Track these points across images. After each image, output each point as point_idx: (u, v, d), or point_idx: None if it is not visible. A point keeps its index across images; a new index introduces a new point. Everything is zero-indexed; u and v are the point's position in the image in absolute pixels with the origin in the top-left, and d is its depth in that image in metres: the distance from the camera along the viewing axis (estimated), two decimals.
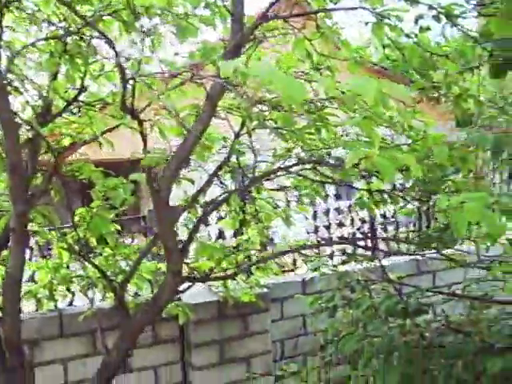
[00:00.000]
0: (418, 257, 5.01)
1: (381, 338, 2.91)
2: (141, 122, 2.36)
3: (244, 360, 4.15)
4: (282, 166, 2.94)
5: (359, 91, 1.50)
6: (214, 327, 4.05)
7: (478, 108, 3.27)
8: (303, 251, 5.22)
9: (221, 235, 5.69)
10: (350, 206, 8.29)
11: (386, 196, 3.21)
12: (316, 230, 7.96)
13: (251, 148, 2.97)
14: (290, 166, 2.97)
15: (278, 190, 5.35)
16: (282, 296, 4.41)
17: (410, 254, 4.10)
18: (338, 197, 8.29)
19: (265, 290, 4.12)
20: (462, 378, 2.62)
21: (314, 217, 7.99)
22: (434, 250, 3.24)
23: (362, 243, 5.88)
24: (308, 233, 7.88)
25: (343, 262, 3.74)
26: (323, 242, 3.99)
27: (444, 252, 3.22)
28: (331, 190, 8.33)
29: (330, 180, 3.11)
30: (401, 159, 2.09)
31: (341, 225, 8.05)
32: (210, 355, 4.07)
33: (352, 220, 8.05)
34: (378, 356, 2.85)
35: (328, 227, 7.98)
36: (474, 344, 2.71)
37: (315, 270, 3.49)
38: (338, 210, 8.24)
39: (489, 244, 2.18)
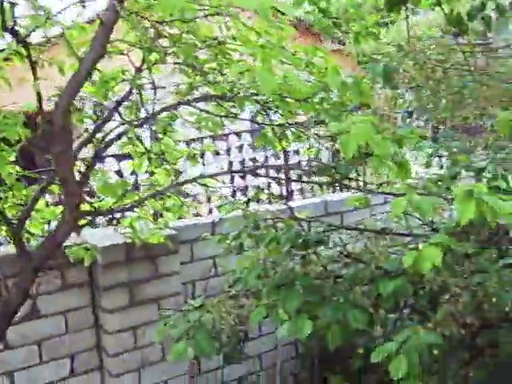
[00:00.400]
0: (328, 198, 5.14)
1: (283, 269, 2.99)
2: (27, 46, 2.26)
3: (154, 302, 4.17)
4: (182, 101, 2.91)
5: (241, 3, 1.49)
6: (123, 270, 4.04)
7: (376, 46, 3.34)
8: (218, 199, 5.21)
9: (136, 187, 5.64)
10: (266, 156, 8.40)
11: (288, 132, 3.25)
12: (232, 180, 8.02)
13: (151, 82, 2.92)
14: (192, 101, 2.94)
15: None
16: (191, 238, 4.42)
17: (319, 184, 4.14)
18: (253, 148, 8.32)
19: (173, 231, 4.12)
20: (359, 303, 2.73)
21: (230, 166, 8.04)
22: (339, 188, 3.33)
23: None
24: (223, 182, 7.91)
25: (251, 200, 3.78)
26: (229, 171, 3.97)
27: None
28: (247, 140, 8.39)
29: (232, 115, 3.10)
30: (292, 81, 2.12)
31: (256, 174, 8.11)
32: (120, 298, 4.06)
33: (267, 170, 8.11)
34: (280, 286, 2.92)
35: (243, 177, 8.05)
36: (371, 271, 2.83)
37: (220, 206, 3.51)
38: (254, 160, 8.31)
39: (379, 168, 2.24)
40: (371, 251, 2.96)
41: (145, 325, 4.16)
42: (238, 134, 8.18)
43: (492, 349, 2.67)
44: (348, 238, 3.43)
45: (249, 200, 5.55)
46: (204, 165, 7.74)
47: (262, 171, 6.62)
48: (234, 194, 7.82)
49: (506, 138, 2.73)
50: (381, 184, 2.92)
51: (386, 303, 2.65)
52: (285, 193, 8.08)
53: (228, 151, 8.17)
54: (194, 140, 6.92)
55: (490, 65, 3.08)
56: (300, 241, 3.00)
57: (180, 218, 4.90)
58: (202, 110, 3.12)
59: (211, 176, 3.04)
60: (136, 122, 2.99)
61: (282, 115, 3.19)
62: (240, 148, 8.27)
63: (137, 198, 3.06)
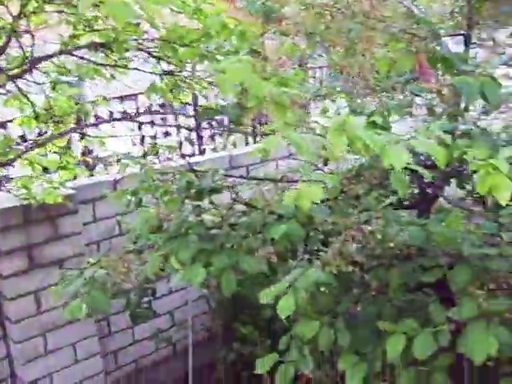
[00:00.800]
0: (232, 152, 5.12)
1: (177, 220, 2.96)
2: None
3: (56, 264, 4.05)
4: (64, 49, 2.79)
5: None
6: (21, 233, 3.89)
7: None
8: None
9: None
10: (176, 114, 8.25)
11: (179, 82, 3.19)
12: (142, 140, 7.86)
13: (28, 31, 2.77)
14: (73, 49, 2.82)
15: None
16: (93, 197, 4.30)
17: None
18: (162, 106, 8.15)
19: (71, 191, 4.00)
20: (252, 247, 2.74)
21: (139, 127, 7.86)
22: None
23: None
24: (134, 144, 7.75)
25: (145, 154, 3.71)
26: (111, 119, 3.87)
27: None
28: (156, 100, 8.20)
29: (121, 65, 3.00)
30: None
31: (167, 134, 8.01)
32: (19, 262, 3.93)
33: (178, 128, 8.00)
34: (176, 237, 2.89)
35: (154, 137, 7.91)
36: (264, 217, 2.83)
37: (118, 160, 3.43)
38: (164, 120, 8.16)
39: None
40: (265, 198, 2.96)
41: (47, 288, 4.04)
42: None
43: (382, 286, 2.74)
44: (247, 188, 3.43)
45: (145, 155, 5.42)
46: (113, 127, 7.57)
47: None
48: (144, 155, 7.66)
49: (386, 77, 2.77)
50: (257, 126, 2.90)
51: (278, 247, 2.66)
52: (197, 152, 8.01)
53: (137, 111, 7.97)
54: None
55: (375, 8, 3.09)
56: (193, 191, 2.97)
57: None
58: (83, 59, 3.00)
59: (94, 125, 2.94)
60: (12, 72, 2.84)
61: (171, 64, 3.12)
62: (149, 108, 8.08)
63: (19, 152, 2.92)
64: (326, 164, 3.53)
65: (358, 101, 3.22)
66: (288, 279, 2.36)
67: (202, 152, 8.07)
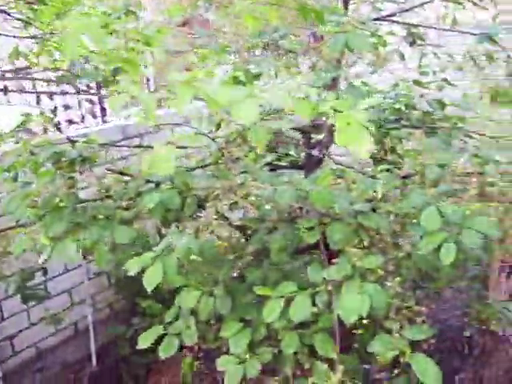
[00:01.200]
0: (125, 122, 4.91)
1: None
2: None
3: None
4: None
5: None
6: None
7: None
8: None
9: None
10: (79, 89, 7.91)
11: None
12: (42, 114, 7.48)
13: None
14: None
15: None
16: None
17: None
18: (60, 77, 7.77)
19: None
20: (125, 219, 2.61)
21: (37, 102, 7.51)
22: None
23: None
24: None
25: (21, 124, 3.48)
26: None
27: None
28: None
29: None
30: None
31: (67, 107, 7.68)
32: None
33: (79, 102, 7.69)
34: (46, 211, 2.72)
35: (54, 110, 7.55)
36: (137, 185, 2.69)
37: None
38: (64, 92, 7.80)
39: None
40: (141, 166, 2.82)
41: None
42: None
43: (263, 250, 2.66)
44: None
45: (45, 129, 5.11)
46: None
47: None
48: (45, 129, 7.29)
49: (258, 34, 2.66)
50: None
51: (153, 215, 2.54)
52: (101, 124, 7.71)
53: (34, 85, 7.60)
54: None
55: None
56: (65, 162, 2.79)
57: None
58: None
59: None
60: None
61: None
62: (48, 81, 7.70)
63: None
64: (218, 129, 3.42)
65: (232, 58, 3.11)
66: (157, 248, 2.24)
67: (105, 122, 7.78)
